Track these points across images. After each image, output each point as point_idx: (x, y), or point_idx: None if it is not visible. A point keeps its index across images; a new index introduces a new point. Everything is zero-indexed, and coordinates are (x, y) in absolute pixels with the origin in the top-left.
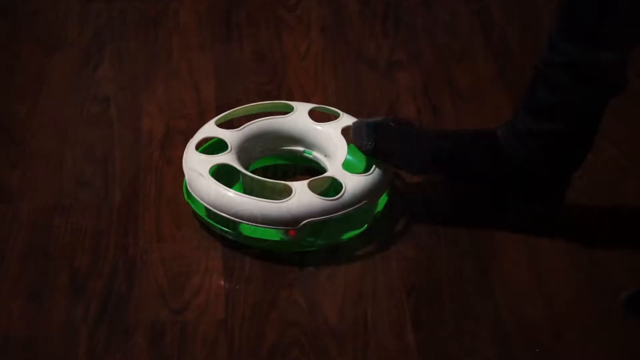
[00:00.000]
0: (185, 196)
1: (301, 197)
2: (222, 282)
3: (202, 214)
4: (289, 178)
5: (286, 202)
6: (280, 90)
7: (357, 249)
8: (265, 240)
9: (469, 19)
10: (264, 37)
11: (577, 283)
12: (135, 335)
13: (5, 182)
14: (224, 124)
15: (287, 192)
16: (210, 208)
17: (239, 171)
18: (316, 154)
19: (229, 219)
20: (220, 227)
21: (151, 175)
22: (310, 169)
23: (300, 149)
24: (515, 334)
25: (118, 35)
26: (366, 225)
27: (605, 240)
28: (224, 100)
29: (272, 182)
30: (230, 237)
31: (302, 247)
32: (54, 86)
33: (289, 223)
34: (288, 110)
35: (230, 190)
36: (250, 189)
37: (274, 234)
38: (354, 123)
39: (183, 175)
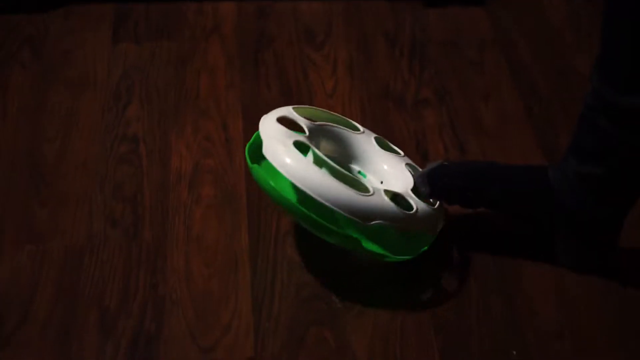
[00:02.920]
0: (250, 164)
1: (379, 197)
2: (251, 320)
3: (268, 185)
4: None
5: (368, 197)
6: None
7: (384, 287)
8: (314, 223)
9: (495, 57)
10: (291, 75)
11: (607, 321)
12: None
13: (35, 222)
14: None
15: (365, 190)
16: (291, 179)
17: (313, 153)
18: (371, 177)
19: (306, 193)
20: (287, 198)
21: (180, 214)
22: None
23: (357, 167)
24: None
25: (147, 75)
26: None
27: (635, 276)
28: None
29: (353, 177)
30: (291, 215)
31: (347, 244)
32: (84, 126)
33: (364, 216)
34: (356, 130)
35: (311, 165)
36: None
37: (342, 224)
38: (414, 177)
39: (211, 213)
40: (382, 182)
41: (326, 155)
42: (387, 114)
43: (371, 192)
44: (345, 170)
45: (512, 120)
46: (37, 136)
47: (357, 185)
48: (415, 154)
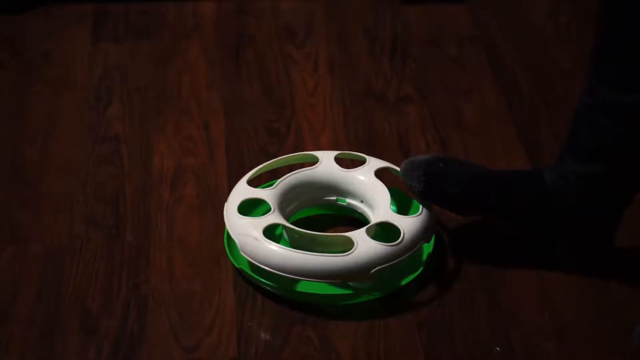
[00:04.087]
0: (230, 255)
1: (364, 246)
2: (235, 320)
3: (247, 269)
4: (324, 229)
5: (352, 254)
6: (289, 127)
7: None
8: (320, 295)
9: (476, 54)
10: (272, 74)
11: (589, 315)
12: None
13: (17, 224)
14: (253, 181)
15: (348, 244)
16: (272, 270)
17: (285, 228)
18: (350, 201)
19: (290, 278)
20: (269, 283)
21: (162, 214)
22: (345, 218)
23: (333, 197)
24: None
25: (127, 75)
26: (422, 268)
27: (617, 272)
28: (233, 138)
29: (332, 236)
30: (280, 293)
31: (358, 299)
32: (65, 127)
33: (358, 274)
34: (313, 160)
35: (292, 249)
36: (298, 246)
37: (327, 288)
38: (404, 163)
39: (193, 213)
40: (362, 202)
41: (300, 204)
42: (369, 111)
43: (355, 245)
44: (324, 204)
45: (493, 117)
46: (18, 137)
47: (339, 244)
48: (398, 151)
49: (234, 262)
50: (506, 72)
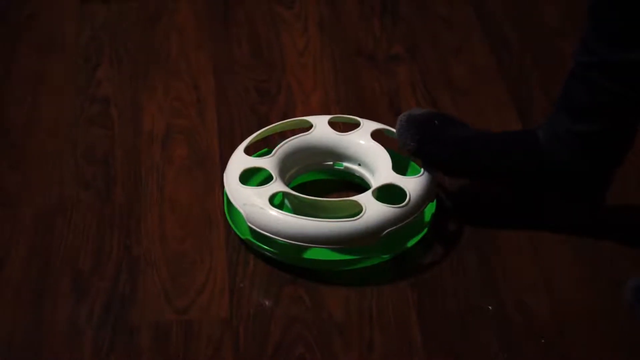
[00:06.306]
0: (233, 226)
1: (373, 209)
2: (226, 280)
3: (249, 236)
4: (321, 195)
5: (362, 218)
6: (279, 87)
7: None
8: (327, 262)
9: (466, 12)
10: (261, 34)
11: (580, 274)
12: (139, 335)
13: (6, 186)
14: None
15: (356, 208)
16: (280, 239)
17: (289, 196)
18: (347, 165)
19: (300, 245)
20: (276, 251)
21: (152, 175)
22: (341, 182)
23: (330, 162)
24: (520, 325)
25: (116, 36)
26: (426, 229)
27: (608, 230)
28: (223, 99)
29: (340, 201)
30: (287, 261)
31: (365, 263)
32: (53, 88)
33: (369, 238)
34: (306, 126)
35: (303, 217)
36: (302, 213)
37: (334, 254)
38: (400, 117)
39: (184, 174)
40: (359, 165)
41: (298, 171)
42: (359, 71)
43: (364, 209)
44: (321, 170)
45: (483, 75)
46: (6, 99)
47: (347, 208)
48: (388, 110)
49: (239, 234)
50: (496, 30)
